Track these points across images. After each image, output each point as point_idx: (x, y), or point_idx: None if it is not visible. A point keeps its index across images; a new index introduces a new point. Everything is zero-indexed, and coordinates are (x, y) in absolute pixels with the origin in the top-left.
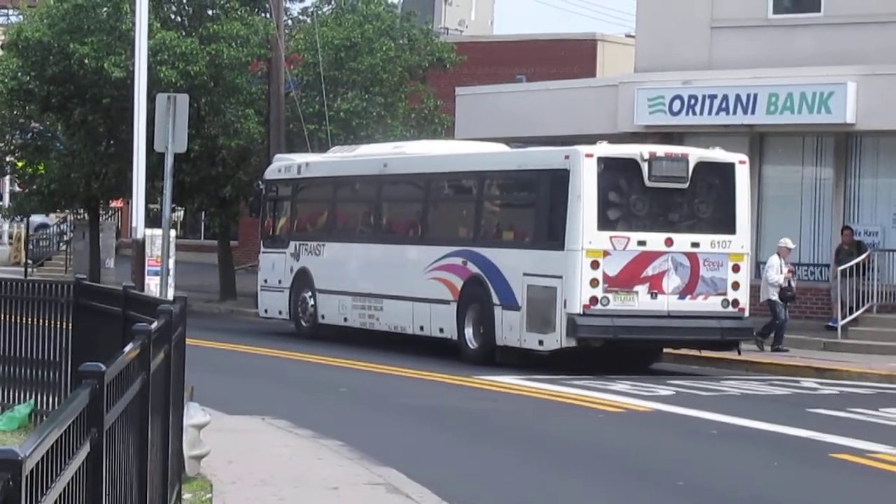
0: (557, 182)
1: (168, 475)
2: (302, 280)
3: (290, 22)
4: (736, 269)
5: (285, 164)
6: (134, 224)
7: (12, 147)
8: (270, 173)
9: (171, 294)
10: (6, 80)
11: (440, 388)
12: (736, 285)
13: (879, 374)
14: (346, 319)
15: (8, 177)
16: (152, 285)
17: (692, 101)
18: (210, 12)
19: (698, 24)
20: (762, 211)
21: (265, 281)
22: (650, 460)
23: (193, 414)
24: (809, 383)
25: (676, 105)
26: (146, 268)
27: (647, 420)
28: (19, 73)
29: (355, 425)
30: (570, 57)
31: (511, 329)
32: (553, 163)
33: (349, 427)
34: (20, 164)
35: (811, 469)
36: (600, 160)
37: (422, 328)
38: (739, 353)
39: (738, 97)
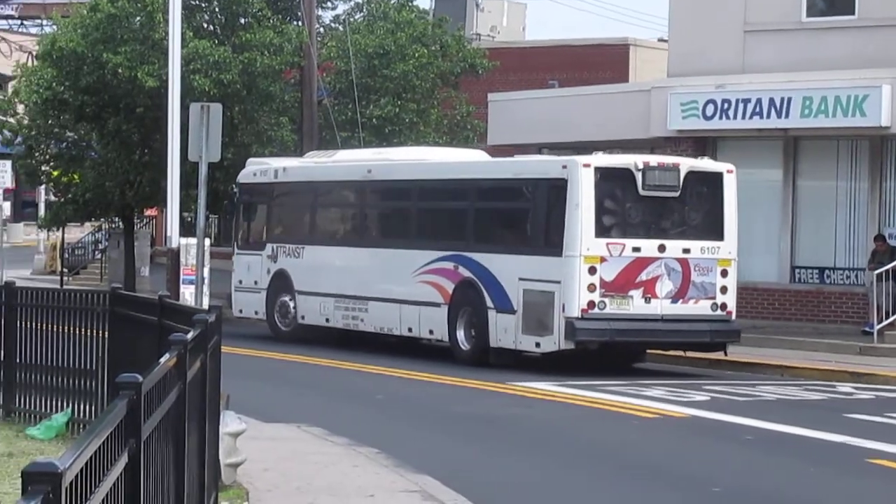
0: (555, 190)
1: (205, 484)
2: (280, 282)
3: (322, 30)
4: (724, 274)
5: (261, 168)
6: (168, 233)
7: (47, 156)
8: (245, 177)
9: (206, 302)
10: (41, 91)
11: (475, 394)
12: (724, 289)
13: None
14: (327, 320)
15: (43, 186)
16: (187, 294)
17: (725, 106)
18: (242, 21)
19: (731, 27)
20: (797, 215)
21: (240, 282)
22: (686, 466)
23: (229, 422)
24: (845, 388)
25: (710, 109)
26: (181, 276)
27: (683, 426)
28: (53, 83)
29: (391, 433)
30: (602, 62)
31: (506, 331)
32: (551, 172)
33: (385, 434)
34: (55, 173)
35: (847, 475)
36: (597, 170)
37: (410, 329)
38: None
39: (771, 101)
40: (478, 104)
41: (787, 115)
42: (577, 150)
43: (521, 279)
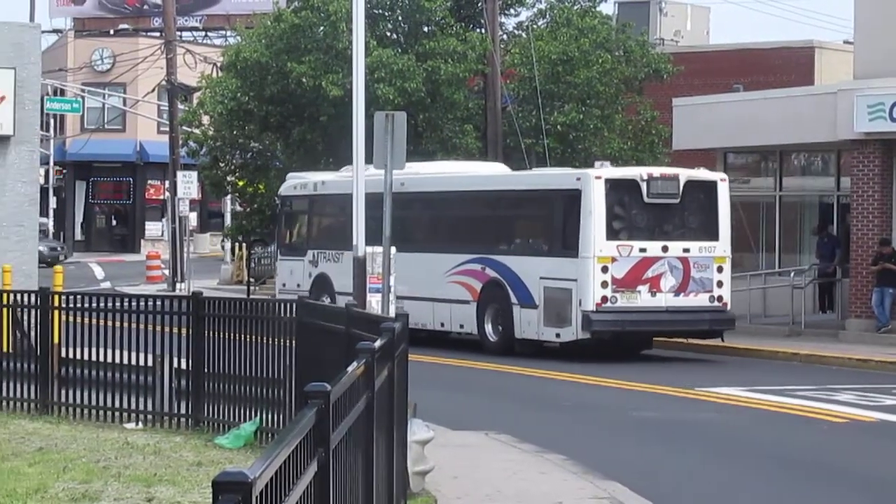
0: (570, 200)
1: (393, 492)
2: (321, 284)
3: (505, 37)
4: (720, 269)
5: (300, 182)
6: (354, 241)
7: (232, 167)
8: (286, 190)
9: (392, 311)
10: (226, 101)
11: (660, 399)
12: (720, 284)
13: None
14: None
15: (229, 196)
16: (374, 302)
17: None
18: (426, 29)
19: None
20: None
21: (283, 285)
22: (877, 470)
23: (417, 430)
24: None
25: None
26: (367, 285)
27: (873, 430)
28: (238, 94)
29: (578, 439)
30: (787, 65)
31: (529, 324)
32: (566, 184)
33: (571, 440)
34: (240, 183)
35: None
36: (607, 181)
37: (442, 324)
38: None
39: None
40: (662, 109)
41: None
42: (763, 154)
43: (541, 278)
